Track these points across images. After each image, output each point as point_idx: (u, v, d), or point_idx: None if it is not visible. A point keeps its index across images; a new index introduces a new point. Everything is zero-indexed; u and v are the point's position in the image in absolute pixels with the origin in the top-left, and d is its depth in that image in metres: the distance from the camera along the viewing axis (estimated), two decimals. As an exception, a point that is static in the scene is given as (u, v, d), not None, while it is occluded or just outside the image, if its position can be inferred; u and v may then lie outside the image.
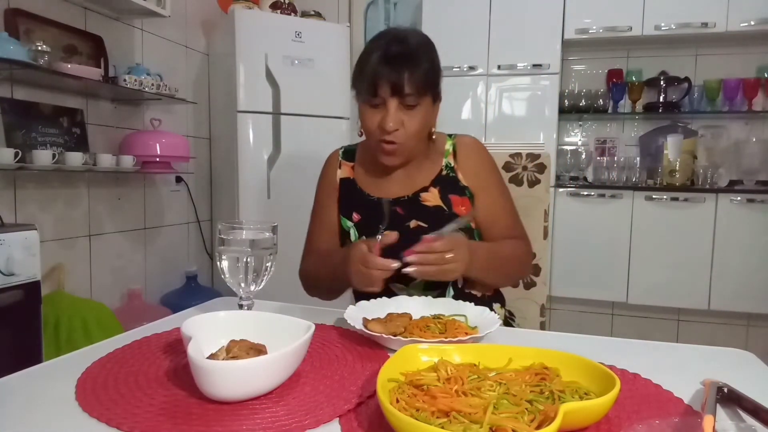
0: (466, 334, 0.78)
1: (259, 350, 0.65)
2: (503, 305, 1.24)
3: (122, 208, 2.40)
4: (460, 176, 1.17)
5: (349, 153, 1.26)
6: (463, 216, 1.09)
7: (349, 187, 1.22)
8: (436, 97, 1.11)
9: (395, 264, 0.93)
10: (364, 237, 1.14)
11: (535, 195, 1.41)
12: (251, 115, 2.66)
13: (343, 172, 1.24)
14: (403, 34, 1.08)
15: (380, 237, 1.00)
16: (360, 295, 1.19)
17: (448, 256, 0.93)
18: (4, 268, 1.55)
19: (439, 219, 1.12)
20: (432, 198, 1.15)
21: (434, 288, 1.11)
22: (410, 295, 0.99)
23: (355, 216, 1.17)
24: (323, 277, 1.18)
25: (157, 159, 2.31)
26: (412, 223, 1.13)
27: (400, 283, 1.11)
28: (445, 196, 1.15)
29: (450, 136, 1.22)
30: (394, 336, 0.75)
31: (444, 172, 1.17)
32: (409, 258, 0.91)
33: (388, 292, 1.08)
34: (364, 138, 1.15)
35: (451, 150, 1.19)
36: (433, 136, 1.19)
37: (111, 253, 2.35)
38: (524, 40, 2.85)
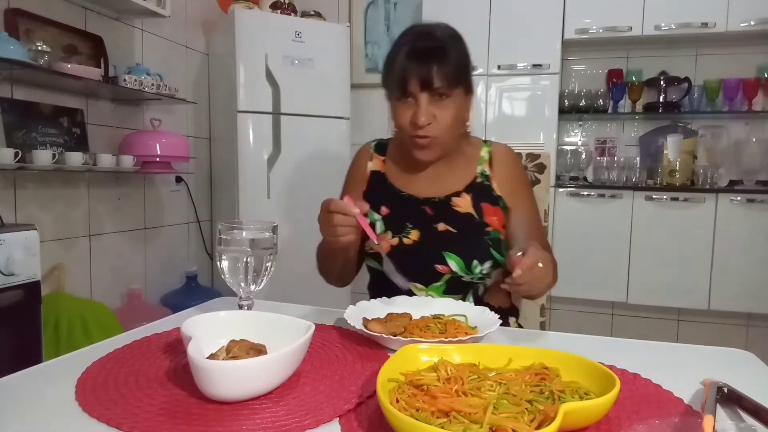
0: (466, 334, 0.78)
1: (259, 350, 0.65)
2: (517, 318, 1.23)
3: (122, 208, 2.40)
4: (494, 185, 1.16)
5: (381, 147, 1.25)
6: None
7: (379, 180, 1.20)
8: (468, 90, 1.10)
9: (356, 210, 0.92)
10: (390, 232, 1.12)
11: (535, 195, 1.41)
12: (251, 115, 2.66)
13: (374, 164, 1.23)
14: (430, 29, 1.08)
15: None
16: (375, 290, 1.19)
17: (542, 273, 0.84)
18: (4, 268, 1.55)
19: (468, 226, 1.11)
20: (464, 204, 1.13)
21: (455, 293, 1.10)
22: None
23: (384, 210, 1.16)
24: (320, 249, 1.17)
25: (157, 159, 2.31)
26: (440, 226, 1.11)
27: (420, 283, 1.10)
28: (477, 203, 1.13)
29: (485, 142, 1.21)
30: (394, 336, 0.75)
31: (478, 180, 1.16)
32: (514, 278, 0.81)
33: (407, 292, 1.08)
34: (396, 134, 1.14)
35: (486, 158, 1.18)
36: (469, 130, 1.18)
37: (111, 253, 2.35)
38: (524, 40, 2.85)
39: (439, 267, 1.09)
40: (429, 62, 1.02)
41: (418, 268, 1.10)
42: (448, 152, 1.14)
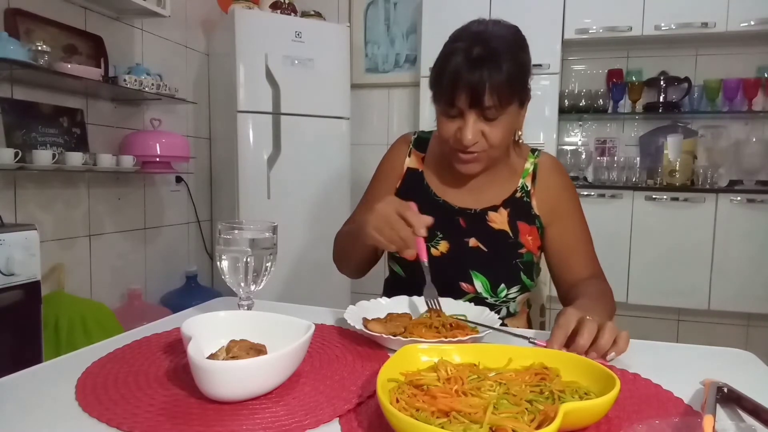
0: (466, 334, 0.78)
1: (259, 350, 0.65)
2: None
3: (122, 208, 2.40)
4: (534, 203, 1.09)
5: (421, 142, 1.17)
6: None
7: (416, 179, 1.14)
8: (524, 100, 1.01)
9: (423, 232, 0.84)
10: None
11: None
12: (251, 115, 2.66)
13: (412, 161, 1.16)
14: (486, 34, 0.96)
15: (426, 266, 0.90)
16: (392, 287, 1.14)
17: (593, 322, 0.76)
18: (4, 268, 1.55)
19: (501, 245, 1.06)
20: (499, 220, 1.08)
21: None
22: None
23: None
24: (346, 237, 1.09)
25: (157, 159, 2.31)
26: (472, 242, 1.07)
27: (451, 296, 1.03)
28: (513, 221, 1.07)
29: (533, 151, 1.13)
30: (394, 336, 0.75)
31: (518, 194, 1.09)
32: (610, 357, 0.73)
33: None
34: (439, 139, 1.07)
35: (530, 170, 1.11)
36: (520, 139, 1.09)
37: (111, 253, 2.35)
38: (524, 40, 2.85)
39: (464, 285, 1.05)
40: (480, 78, 0.91)
41: (441, 283, 1.03)
42: (495, 164, 1.07)
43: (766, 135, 2.88)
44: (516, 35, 1.01)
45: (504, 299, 1.07)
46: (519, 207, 1.09)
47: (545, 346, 0.76)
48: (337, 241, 1.16)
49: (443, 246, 1.07)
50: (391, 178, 1.16)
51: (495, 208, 1.09)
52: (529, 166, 1.12)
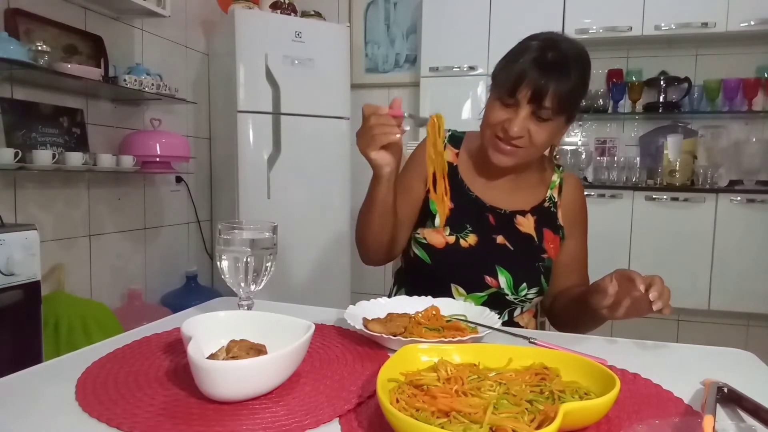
0: (467, 334, 0.78)
1: (259, 350, 0.65)
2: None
3: (122, 208, 2.40)
4: (559, 214, 1.15)
5: (454, 139, 1.20)
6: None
7: (451, 172, 1.12)
8: (572, 118, 1.05)
9: (386, 109, 0.88)
10: (448, 228, 1.09)
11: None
12: (251, 115, 2.66)
13: (447, 155, 1.15)
14: (562, 43, 1.01)
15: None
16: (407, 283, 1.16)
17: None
18: (4, 268, 1.54)
19: (526, 247, 1.09)
20: (526, 225, 1.12)
21: (493, 308, 0.95)
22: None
23: (449, 204, 1.10)
24: (363, 206, 1.06)
25: (157, 159, 2.31)
26: (499, 239, 1.09)
27: (463, 288, 1.08)
28: (539, 227, 1.12)
29: (558, 167, 1.19)
30: (394, 336, 0.75)
31: (546, 204, 1.14)
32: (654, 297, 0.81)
33: (446, 293, 1.05)
34: (474, 130, 1.10)
35: (557, 183, 1.17)
36: (558, 155, 1.16)
37: (111, 253, 2.35)
38: (524, 40, 2.85)
39: (488, 279, 1.07)
40: (548, 78, 0.96)
41: (467, 274, 1.07)
42: (524, 167, 1.11)
43: (766, 135, 2.88)
44: (587, 55, 1.05)
45: (522, 298, 1.09)
46: (546, 216, 1.14)
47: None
48: (358, 217, 1.11)
49: (472, 239, 1.09)
50: (424, 167, 1.12)
51: (523, 213, 1.13)
52: (556, 179, 1.18)
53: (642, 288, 0.81)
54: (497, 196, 1.13)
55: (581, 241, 1.18)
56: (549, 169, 1.18)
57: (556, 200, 1.15)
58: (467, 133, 1.21)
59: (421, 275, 1.13)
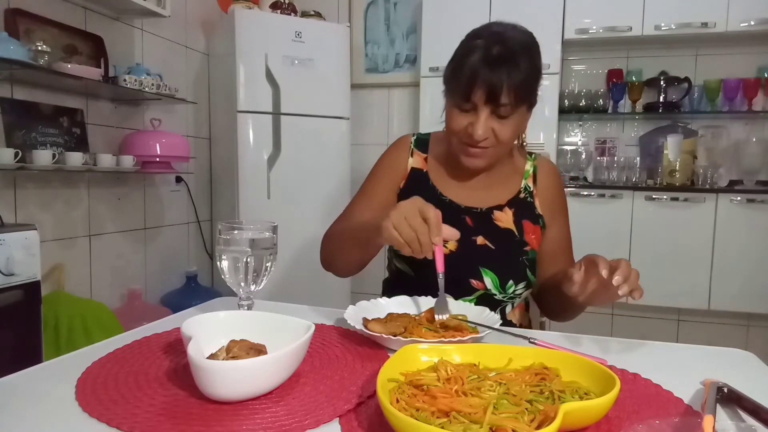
0: (466, 334, 0.78)
1: (259, 350, 0.65)
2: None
3: (122, 208, 2.40)
4: (537, 203, 1.13)
5: (421, 143, 1.18)
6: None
7: (421, 179, 1.14)
8: (533, 104, 1.03)
9: (439, 240, 0.82)
10: None
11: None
12: (251, 115, 2.66)
13: (416, 161, 1.16)
14: (506, 35, 0.99)
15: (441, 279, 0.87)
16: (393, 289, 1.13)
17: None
18: (4, 268, 1.55)
19: (507, 244, 1.08)
20: (505, 219, 1.10)
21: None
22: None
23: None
24: (347, 234, 1.05)
25: (157, 159, 2.31)
26: (479, 240, 1.08)
27: (450, 295, 1.04)
28: (518, 220, 1.10)
29: (530, 155, 1.17)
30: (394, 336, 0.75)
31: (522, 195, 1.13)
32: (617, 281, 0.78)
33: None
34: (436, 130, 1.10)
35: (531, 172, 1.15)
36: (524, 143, 1.14)
37: (111, 253, 2.35)
38: (524, 40, 2.85)
39: (474, 282, 1.06)
40: (499, 75, 0.94)
41: (452, 280, 1.03)
42: (497, 163, 1.10)
43: (766, 135, 2.88)
44: (533, 40, 1.03)
45: (511, 295, 1.08)
46: (524, 207, 1.12)
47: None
48: (331, 238, 1.12)
49: (451, 244, 1.08)
50: (392, 177, 1.16)
51: (500, 208, 1.11)
52: (529, 167, 1.16)
53: (605, 273, 0.79)
54: (472, 196, 1.12)
55: (563, 226, 1.16)
56: (520, 157, 1.17)
57: (531, 189, 1.14)
58: (432, 134, 1.19)
59: (407, 286, 1.09)
